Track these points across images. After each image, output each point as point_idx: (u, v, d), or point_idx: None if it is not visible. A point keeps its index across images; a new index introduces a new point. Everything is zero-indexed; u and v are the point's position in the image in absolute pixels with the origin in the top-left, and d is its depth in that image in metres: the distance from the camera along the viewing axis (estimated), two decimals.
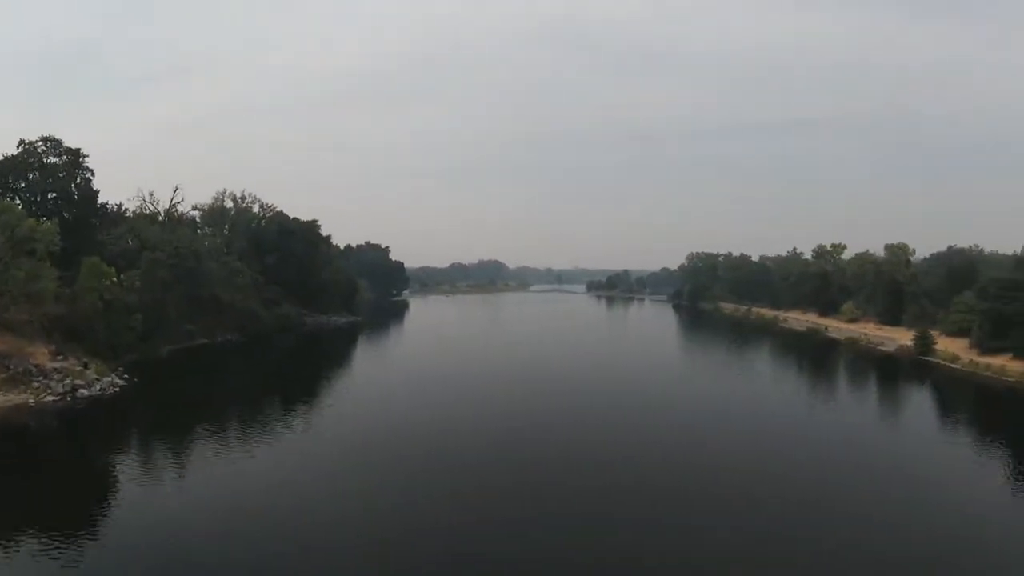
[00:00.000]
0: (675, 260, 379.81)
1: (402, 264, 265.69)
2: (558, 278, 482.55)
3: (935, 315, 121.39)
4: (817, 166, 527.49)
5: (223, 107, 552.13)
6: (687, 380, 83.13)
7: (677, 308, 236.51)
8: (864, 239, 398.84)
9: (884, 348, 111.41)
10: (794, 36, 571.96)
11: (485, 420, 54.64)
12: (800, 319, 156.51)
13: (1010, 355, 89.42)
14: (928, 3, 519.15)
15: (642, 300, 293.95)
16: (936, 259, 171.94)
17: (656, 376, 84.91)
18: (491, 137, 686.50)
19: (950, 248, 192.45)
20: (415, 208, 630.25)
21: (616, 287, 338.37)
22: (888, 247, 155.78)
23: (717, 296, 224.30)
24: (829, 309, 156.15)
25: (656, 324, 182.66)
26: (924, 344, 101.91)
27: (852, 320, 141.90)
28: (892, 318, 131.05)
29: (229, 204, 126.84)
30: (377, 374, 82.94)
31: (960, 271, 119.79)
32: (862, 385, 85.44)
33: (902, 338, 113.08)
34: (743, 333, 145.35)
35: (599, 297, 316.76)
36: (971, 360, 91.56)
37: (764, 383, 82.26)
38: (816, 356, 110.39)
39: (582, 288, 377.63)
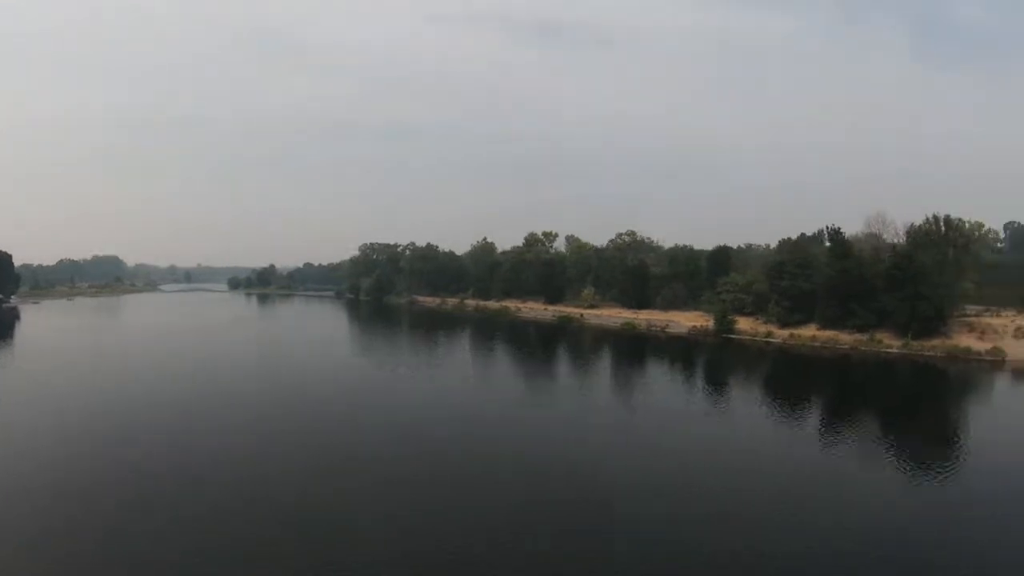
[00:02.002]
0: (314, 256, 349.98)
1: (10, 258, 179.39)
2: (187, 276, 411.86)
3: (686, 297, 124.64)
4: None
5: None
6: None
7: (356, 304, 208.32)
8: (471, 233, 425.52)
9: (672, 331, 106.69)
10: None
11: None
12: (535, 308, 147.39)
13: (815, 326, 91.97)
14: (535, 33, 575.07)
15: (304, 296, 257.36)
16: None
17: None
18: (107, 124, 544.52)
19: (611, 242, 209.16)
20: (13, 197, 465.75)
21: (270, 283, 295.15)
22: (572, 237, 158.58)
23: (408, 289, 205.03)
24: (557, 296, 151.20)
25: (366, 323, 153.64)
26: (725, 323, 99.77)
27: (592, 306, 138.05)
28: (638, 302, 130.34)
29: None
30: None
31: (718, 258, 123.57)
32: (719, 374, 74.25)
33: (679, 320, 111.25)
34: (488, 327, 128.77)
35: (249, 295, 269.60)
36: (792, 334, 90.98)
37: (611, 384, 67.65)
38: (613, 345, 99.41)
39: (223, 286, 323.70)
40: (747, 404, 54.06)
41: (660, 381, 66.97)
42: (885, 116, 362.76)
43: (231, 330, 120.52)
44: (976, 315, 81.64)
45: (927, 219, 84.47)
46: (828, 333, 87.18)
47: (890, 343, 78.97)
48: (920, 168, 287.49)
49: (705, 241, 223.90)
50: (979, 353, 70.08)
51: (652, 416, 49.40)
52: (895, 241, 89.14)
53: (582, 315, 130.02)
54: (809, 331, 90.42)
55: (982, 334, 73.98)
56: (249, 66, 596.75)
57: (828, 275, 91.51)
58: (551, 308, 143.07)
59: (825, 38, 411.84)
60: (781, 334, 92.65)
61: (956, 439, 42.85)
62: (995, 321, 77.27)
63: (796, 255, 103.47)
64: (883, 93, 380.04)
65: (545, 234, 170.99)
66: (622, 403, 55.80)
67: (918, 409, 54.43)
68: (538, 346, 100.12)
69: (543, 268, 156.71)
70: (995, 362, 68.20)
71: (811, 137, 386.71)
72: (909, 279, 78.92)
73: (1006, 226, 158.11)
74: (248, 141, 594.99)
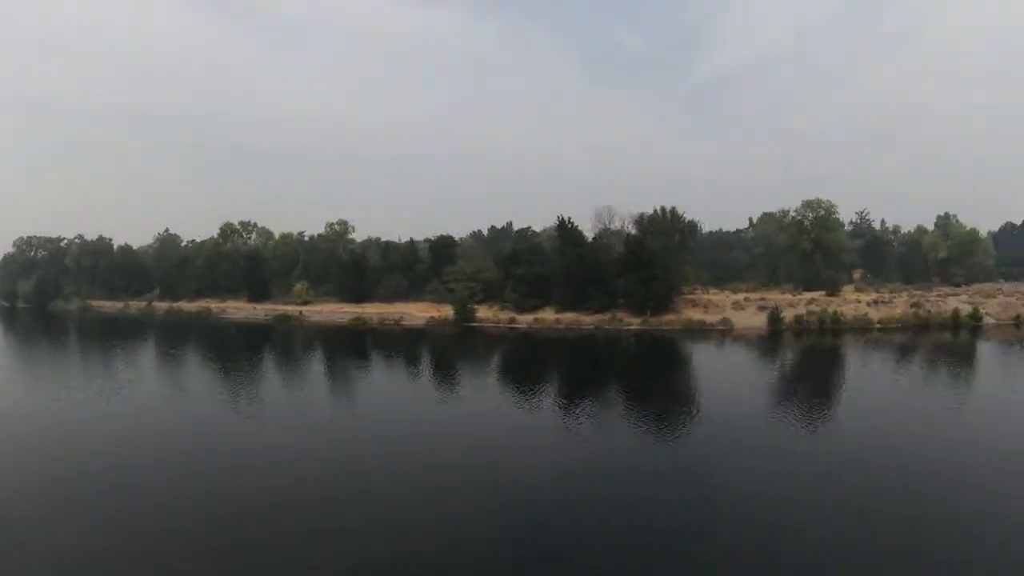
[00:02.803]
0: None
1: None
2: None
3: (407, 289, 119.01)
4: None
5: None
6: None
7: (11, 314, 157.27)
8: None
9: (407, 323, 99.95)
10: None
11: None
12: (242, 307, 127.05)
13: (552, 310, 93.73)
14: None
15: None
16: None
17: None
18: None
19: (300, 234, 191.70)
20: None
21: None
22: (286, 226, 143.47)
23: (79, 293, 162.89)
24: (263, 293, 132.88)
25: (22, 338, 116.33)
26: (466, 312, 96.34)
27: (307, 302, 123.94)
28: (357, 295, 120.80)
29: None
30: None
31: (441, 248, 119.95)
32: (469, 362, 69.67)
33: (410, 311, 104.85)
34: (191, 334, 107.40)
35: None
36: (536, 318, 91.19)
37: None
38: (349, 342, 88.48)
39: None
40: (499, 388, 51.77)
41: (407, 374, 59.35)
42: (562, 123, 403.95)
43: None
44: (692, 292, 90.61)
45: (655, 210, 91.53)
46: (570, 315, 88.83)
47: (630, 321, 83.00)
48: (597, 170, 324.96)
49: (390, 234, 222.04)
50: (712, 324, 77.03)
51: (405, 408, 44.43)
52: (625, 229, 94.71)
53: (301, 312, 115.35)
54: (551, 315, 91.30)
55: (706, 308, 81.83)
56: None
57: (564, 262, 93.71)
58: (260, 307, 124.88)
59: (516, 49, 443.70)
60: (525, 319, 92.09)
61: (696, 398, 46.21)
62: (713, 297, 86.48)
63: (527, 244, 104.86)
64: (560, 104, 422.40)
65: (243, 224, 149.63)
66: (364, 398, 48.79)
67: (665, 376, 57.42)
68: (262, 351, 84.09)
69: (246, 262, 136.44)
70: (725, 331, 75.51)
71: (500, 139, 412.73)
72: (644, 263, 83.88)
73: None
74: None
